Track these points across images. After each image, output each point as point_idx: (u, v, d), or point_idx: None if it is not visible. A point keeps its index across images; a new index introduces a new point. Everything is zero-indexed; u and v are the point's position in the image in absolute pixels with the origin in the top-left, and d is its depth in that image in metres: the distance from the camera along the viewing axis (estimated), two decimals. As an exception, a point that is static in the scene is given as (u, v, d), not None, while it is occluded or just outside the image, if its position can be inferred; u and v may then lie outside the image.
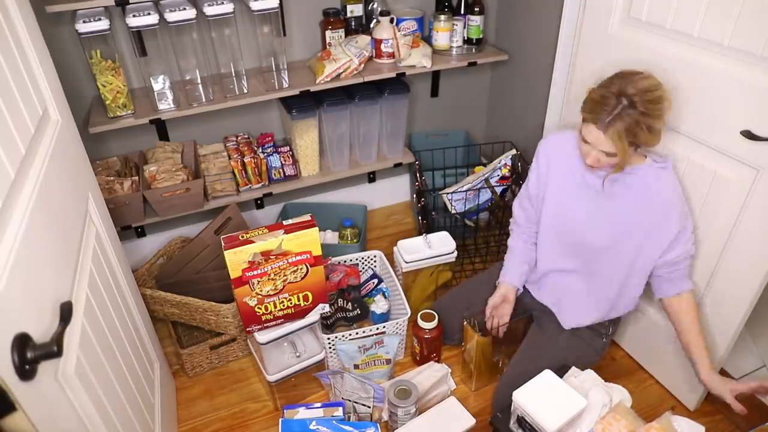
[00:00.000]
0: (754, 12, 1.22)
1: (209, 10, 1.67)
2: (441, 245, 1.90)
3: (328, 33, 2.02)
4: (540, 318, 1.71)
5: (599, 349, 1.65)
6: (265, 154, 2.04)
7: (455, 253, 1.92)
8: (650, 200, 1.42)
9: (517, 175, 2.13)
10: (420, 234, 2.00)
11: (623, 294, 1.55)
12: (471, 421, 1.51)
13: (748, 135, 1.28)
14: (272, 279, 1.48)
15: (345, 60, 1.91)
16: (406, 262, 1.86)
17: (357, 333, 1.72)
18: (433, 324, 1.75)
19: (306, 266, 1.50)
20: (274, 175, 2.08)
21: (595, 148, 1.36)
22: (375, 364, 1.74)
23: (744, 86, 1.28)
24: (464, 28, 2.15)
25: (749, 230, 1.36)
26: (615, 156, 1.34)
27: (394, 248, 1.93)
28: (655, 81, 1.32)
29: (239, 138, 2.10)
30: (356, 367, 1.73)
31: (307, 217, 1.49)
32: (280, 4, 1.80)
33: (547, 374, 1.39)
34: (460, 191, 2.07)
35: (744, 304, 1.42)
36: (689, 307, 1.48)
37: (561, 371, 1.48)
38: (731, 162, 1.36)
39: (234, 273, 1.43)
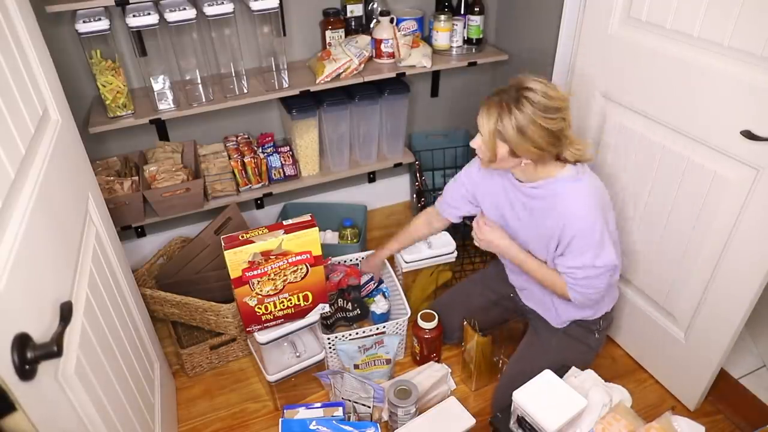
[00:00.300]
0: (754, 12, 1.22)
1: (209, 10, 1.67)
2: (441, 245, 1.90)
3: (328, 33, 2.02)
4: (533, 320, 1.72)
5: (594, 346, 1.65)
6: (265, 154, 2.04)
7: (455, 253, 1.92)
8: (559, 211, 1.41)
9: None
10: (420, 234, 2.00)
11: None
12: (471, 421, 1.51)
13: (748, 135, 1.28)
14: (272, 279, 1.48)
15: (345, 60, 1.91)
16: (406, 262, 1.86)
17: (357, 333, 1.72)
18: (433, 324, 1.75)
19: (306, 266, 1.50)
20: (274, 175, 2.08)
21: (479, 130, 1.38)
22: (375, 364, 1.74)
23: (744, 86, 1.28)
24: (464, 28, 2.15)
25: (749, 230, 1.36)
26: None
27: None
28: (561, 96, 1.32)
29: (239, 138, 2.10)
30: (356, 367, 1.73)
31: (307, 217, 1.49)
32: (280, 4, 1.80)
33: (547, 374, 1.39)
34: (460, 191, 2.07)
35: (744, 304, 1.42)
36: (559, 278, 1.49)
37: (561, 371, 1.48)
38: (731, 162, 1.36)
39: (234, 273, 1.43)
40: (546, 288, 1.57)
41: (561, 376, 1.42)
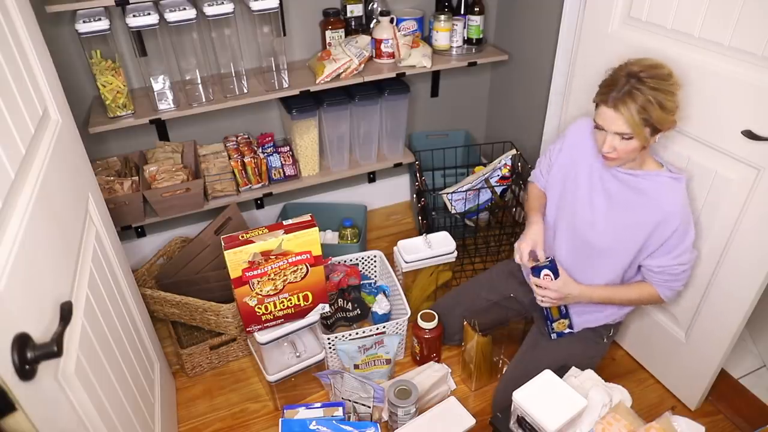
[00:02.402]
0: (755, 12, 1.22)
1: (209, 10, 1.67)
2: (441, 245, 1.90)
3: (328, 33, 2.02)
4: (540, 320, 1.71)
5: (601, 350, 1.65)
6: (265, 154, 2.04)
7: (455, 253, 1.92)
8: (657, 205, 1.38)
9: (517, 175, 2.13)
10: (420, 234, 2.00)
11: None
12: (471, 421, 1.51)
13: (749, 135, 1.28)
14: (272, 279, 1.48)
15: (345, 60, 1.91)
16: (406, 262, 1.86)
17: (357, 333, 1.72)
18: (433, 324, 1.75)
19: (306, 266, 1.50)
20: (274, 175, 2.08)
21: (609, 131, 1.32)
22: (375, 364, 1.74)
23: (745, 86, 1.28)
24: (464, 28, 2.15)
25: (750, 230, 1.36)
26: (631, 138, 1.30)
27: (394, 248, 1.93)
28: (661, 61, 1.32)
29: (239, 138, 2.10)
30: (356, 367, 1.72)
31: (307, 217, 1.49)
32: (280, 4, 1.80)
33: (547, 374, 1.39)
34: (460, 191, 2.07)
35: (745, 304, 1.42)
36: (640, 288, 1.49)
37: (561, 371, 1.48)
38: (732, 162, 1.36)
39: (234, 273, 1.43)
40: (631, 305, 1.55)
41: (561, 376, 1.42)
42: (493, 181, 2.10)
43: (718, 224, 1.43)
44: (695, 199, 1.48)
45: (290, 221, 1.47)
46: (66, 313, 0.82)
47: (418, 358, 1.83)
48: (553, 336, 1.62)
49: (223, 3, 1.67)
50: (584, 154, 1.53)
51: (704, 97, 1.38)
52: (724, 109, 1.34)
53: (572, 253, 1.57)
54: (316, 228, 1.46)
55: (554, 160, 1.63)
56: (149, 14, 1.62)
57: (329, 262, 1.89)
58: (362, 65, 1.96)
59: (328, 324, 1.89)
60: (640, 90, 1.26)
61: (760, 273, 1.37)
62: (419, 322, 1.75)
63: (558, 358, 1.57)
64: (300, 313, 1.59)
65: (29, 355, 0.72)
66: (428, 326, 1.74)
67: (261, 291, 1.48)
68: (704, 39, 1.36)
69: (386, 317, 1.89)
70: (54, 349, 0.73)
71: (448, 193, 2.10)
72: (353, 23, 2.06)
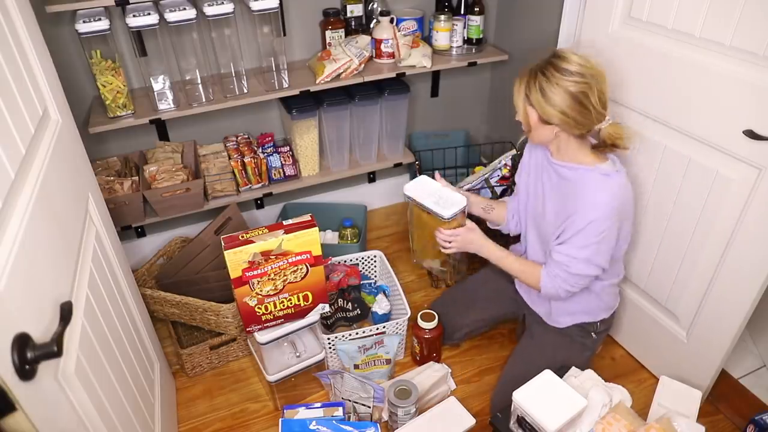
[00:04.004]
0: (757, 12, 1.22)
1: (209, 10, 1.67)
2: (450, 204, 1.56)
3: (328, 33, 2.02)
4: (530, 318, 1.73)
5: (590, 346, 1.66)
6: (265, 154, 2.04)
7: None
8: (579, 197, 1.41)
9: (517, 175, 2.12)
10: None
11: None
12: (471, 421, 1.51)
13: (751, 134, 1.28)
14: (272, 279, 1.48)
15: (345, 60, 1.91)
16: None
17: (357, 333, 1.72)
18: (433, 324, 1.75)
19: (306, 266, 1.50)
20: (274, 175, 2.08)
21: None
22: (375, 364, 1.74)
23: (746, 86, 1.27)
24: (464, 28, 2.15)
25: (751, 230, 1.36)
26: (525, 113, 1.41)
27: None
28: (587, 63, 1.34)
29: (239, 138, 2.10)
30: (356, 367, 1.72)
31: (307, 217, 1.49)
32: (280, 4, 1.80)
33: (547, 374, 1.39)
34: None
35: (746, 304, 1.42)
36: (531, 266, 1.54)
37: (561, 371, 1.48)
38: (733, 161, 1.36)
39: (234, 273, 1.43)
40: (520, 280, 1.60)
41: (561, 376, 1.42)
42: (493, 181, 2.10)
43: (719, 224, 1.43)
44: (697, 199, 1.47)
45: (290, 221, 1.47)
46: (66, 313, 0.82)
47: (418, 358, 1.83)
48: None
49: (223, 3, 1.67)
50: (538, 154, 1.59)
51: (705, 97, 1.38)
52: (726, 108, 1.34)
53: (537, 241, 1.63)
54: (316, 228, 1.46)
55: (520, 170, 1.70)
56: (149, 14, 1.62)
57: (329, 262, 1.89)
58: (362, 65, 1.96)
59: (328, 324, 1.89)
60: (533, 68, 1.36)
61: (761, 273, 1.37)
62: (419, 322, 1.75)
63: (550, 354, 1.59)
64: (300, 313, 1.59)
65: (29, 355, 0.72)
66: (428, 326, 1.74)
67: (261, 291, 1.48)
68: (705, 39, 1.36)
69: (386, 317, 1.89)
70: (54, 349, 0.73)
71: (448, 193, 2.09)
72: (353, 23, 2.06)
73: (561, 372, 1.47)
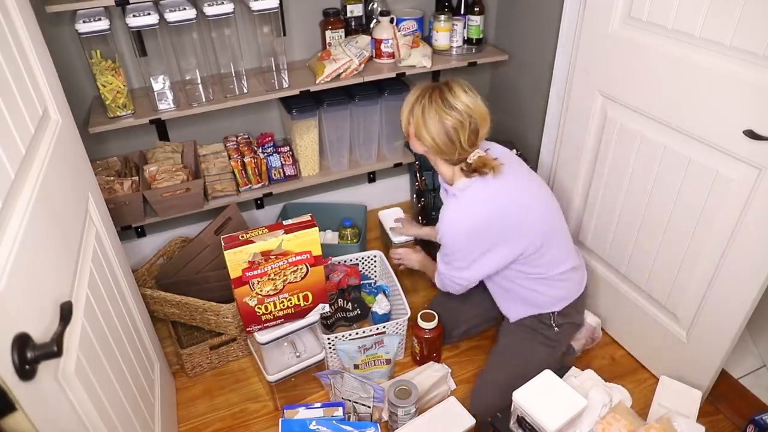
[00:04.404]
0: (757, 12, 1.22)
1: (209, 10, 1.67)
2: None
3: (328, 33, 2.02)
4: (503, 321, 1.79)
5: (554, 338, 1.65)
6: (265, 154, 2.04)
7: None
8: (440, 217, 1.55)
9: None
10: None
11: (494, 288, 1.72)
12: (471, 422, 1.51)
13: (751, 134, 1.28)
14: (272, 279, 1.48)
15: (345, 60, 1.91)
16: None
17: (357, 333, 1.72)
18: (433, 324, 1.75)
19: (306, 266, 1.50)
20: (274, 175, 2.08)
21: None
22: (375, 364, 1.74)
23: (746, 86, 1.27)
24: (464, 28, 2.15)
25: (751, 229, 1.36)
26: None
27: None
28: (471, 103, 1.44)
29: (239, 138, 2.10)
30: (356, 367, 1.72)
31: (307, 217, 1.49)
32: (280, 4, 1.80)
33: (547, 374, 1.39)
34: (460, 191, 2.07)
35: (746, 304, 1.42)
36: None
37: (561, 371, 1.48)
38: (733, 161, 1.35)
39: (234, 273, 1.43)
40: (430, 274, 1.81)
41: (561, 376, 1.42)
42: (493, 181, 2.10)
43: (719, 223, 1.43)
44: (697, 199, 1.47)
45: (290, 221, 1.47)
46: (66, 313, 0.82)
47: (418, 358, 1.83)
48: None
49: (223, 3, 1.67)
50: None
51: (705, 97, 1.38)
52: (726, 108, 1.34)
53: None
54: (316, 228, 1.46)
55: None
56: (149, 14, 1.62)
57: (329, 262, 1.89)
58: (362, 65, 1.96)
59: (328, 324, 1.89)
60: (428, 90, 1.45)
61: (761, 273, 1.37)
62: (419, 322, 1.75)
63: (516, 348, 1.65)
64: (300, 313, 1.59)
65: (29, 355, 0.72)
66: (428, 326, 1.74)
67: (261, 291, 1.48)
68: (705, 39, 1.36)
69: (386, 317, 1.89)
70: (54, 349, 0.73)
71: (448, 193, 2.10)
72: (353, 23, 2.06)
73: (561, 372, 1.47)
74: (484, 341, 1.93)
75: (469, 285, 1.64)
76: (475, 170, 1.48)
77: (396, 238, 2.04)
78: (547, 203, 1.60)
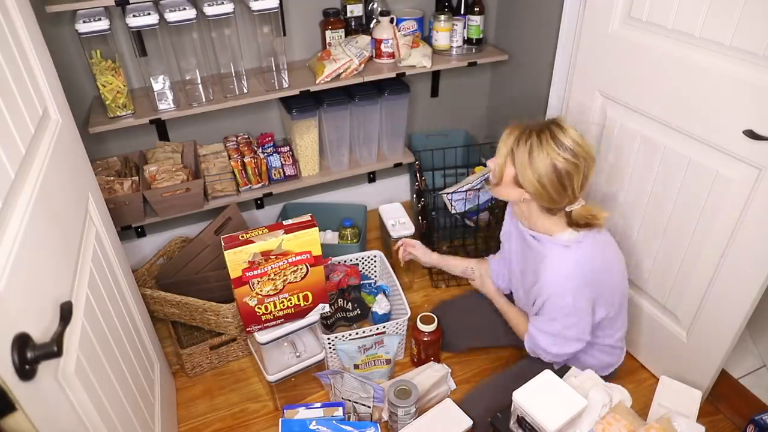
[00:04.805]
0: (757, 12, 1.22)
1: (209, 10, 1.67)
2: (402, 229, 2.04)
3: (328, 33, 2.02)
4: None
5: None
6: (265, 154, 2.04)
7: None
8: (539, 268, 1.39)
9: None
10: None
11: None
12: (468, 423, 1.51)
13: (751, 134, 1.28)
14: (272, 279, 1.48)
15: (345, 60, 1.91)
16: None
17: (357, 333, 1.72)
18: (432, 327, 1.74)
19: (306, 266, 1.50)
20: (274, 175, 2.08)
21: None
22: (375, 364, 1.74)
23: (747, 86, 1.27)
24: (464, 28, 2.15)
25: (751, 230, 1.36)
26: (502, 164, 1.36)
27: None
28: (585, 145, 1.30)
29: (239, 138, 2.10)
30: (356, 367, 1.72)
31: (307, 217, 1.49)
32: (280, 4, 1.80)
33: (547, 374, 1.39)
34: (460, 191, 2.07)
35: (746, 304, 1.42)
36: (521, 318, 1.57)
37: (561, 371, 1.48)
38: (733, 161, 1.36)
39: (234, 273, 1.42)
40: (508, 321, 1.64)
41: (561, 377, 1.42)
42: (493, 181, 2.10)
43: (719, 223, 1.43)
44: (697, 199, 1.47)
45: (290, 221, 1.47)
46: (66, 313, 0.82)
47: (415, 360, 1.83)
48: None
49: (223, 3, 1.67)
50: (514, 220, 1.57)
51: (706, 97, 1.38)
52: (726, 108, 1.34)
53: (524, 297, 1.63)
54: (316, 228, 1.46)
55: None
56: (149, 14, 1.62)
57: (329, 262, 1.89)
58: (362, 65, 1.96)
59: (328, 324, 1.89)
60: (533, 130, 1.30)
61: (761, 273, 1.36)
62: (418, 324, 1.74)
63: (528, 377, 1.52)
64: (300, 313, 1.59)
65: (29, 355, 0.72)
66: (427, 329, 1.73)
67: (261, 291, 1.48)
68: (705, 39, 1.36)
69: (386, 317, 1.89)
70: (54, 349, 0.73)
71: (448, 193, 2.10)
72: (353, 23, 2.06)
73: (561, 372, 1.47)
74: (484, 341, 1.93)
75: (567, 355, 1.47)
76: (586, 224, 1.36)
77: (395, 233, 2.03)
78: (623, 260, 1.50)
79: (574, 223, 1.37)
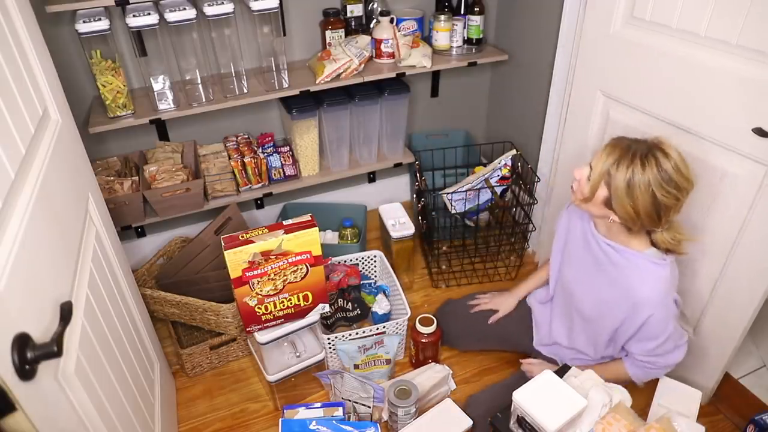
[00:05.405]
0: (764, 10, 1.22)
1: (209, 10, 1.67)
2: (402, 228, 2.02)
3: (328, 33, 2.02)
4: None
5: None
6: (265, 154, 2.04)
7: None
8: (630, 288, 1.34)
9: (517, 176, 2.13)
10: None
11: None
12: (468, 423, 1.51)
13: (760, 132, 1.27)
14: (272, 279, 1.47)
15: (345, 60, 1.91)
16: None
17: (357, 333, 1.72)
18: (431, 329, 1.74)
19: (306, 266, 1.50)
20: (274, 175, 2.08)
21: (588, 166, 1.32)
22: (375, 364, 1.74)
23: (754, 84, 1.27)
24: (464, 28, 2.15)
25: (758, 227, 1.36)
26: (590, 181, 1.29)
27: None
28: (688, 176, 1.22)
29: (239, 138, 2.10)
30: (356, 367, 1.72)
31: (307, 218, 1.48)
32: (280, 4, 1.79)
33: (547, 374, 1.39)
34: (460, 191, 2.07)
35: (753, 302, 1.42)
36: (615, 368, 1.49)
37: (561, 371, 1.48)
38: (740, 159, 1.35)
39: (234, 273, 1.42)
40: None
41: (561, 376, 1.42)
42: (493, 181, 2.10)
43: (726, 222, 1.43)
44: (703, 197, 1.47)
45: (290, 221, 1.47)
46: (66, 313, 0.82)
47: (413, 361, 1.83)
48: None
49: (223, 3, 1.67)
50: (581, 219, 1.50)
51: (713, 96, 1.37)
52: (733, 107, 1.33)
53: (562, 309, 1.60)
54: (316, 228, 1.46)
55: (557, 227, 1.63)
56: (149, 14, 1.62)
57: (329, 262, 1.89)
58: (362, 65, 1.96)
59: (328, 324, 1.89)
60: (634, 155, 1.22)
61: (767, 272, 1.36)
62: (417, 326, 1.74)
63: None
64: (300, 313, 1.58)
65: (29, 355, 0.72)
66: (426, 330, 1.73)
67: (261, 291, 1.48)
68: (711, 38, 1.35)
69: (386, 317, 1.89)
70: (54, 349, 0.73)
71: (448, 193, 2.10)
72: (353, 23, 2.06)
73: (561, 372, 1.47)
74: (484, 341, 1.93)
75: (676, 363, 1.44)
76: (667, 250, 1.32)
77: (396, 233, 2.02)
78: None
79: (655, 244, 1.33)
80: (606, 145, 1.29)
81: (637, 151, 1.22)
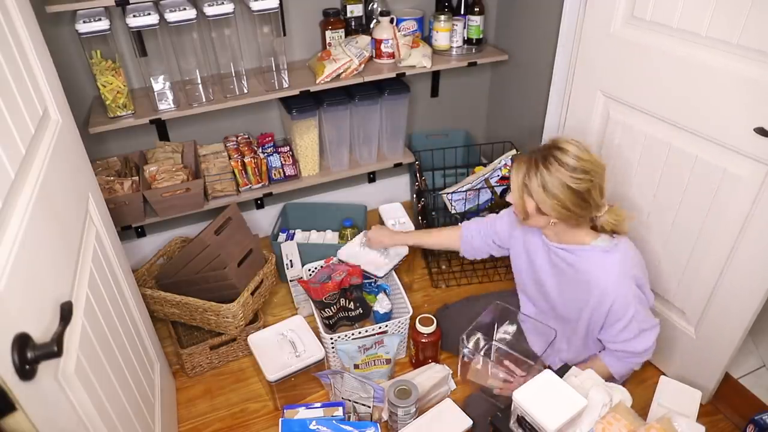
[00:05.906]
0: (764, 10, 1.22)
1: (209, 10, 1.67)
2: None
3: (328, 33, 2.02)
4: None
5: None
6: (265, 154, 2.04)
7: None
8: (589, 282, 1.40)
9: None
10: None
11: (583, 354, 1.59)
12: (468, 423, 1.51)
13: (762, 132, 1.27)
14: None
15: (345, 60, 1.91)
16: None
17: (359, 332, 1.72)
18: (431, 329, 1.74)
19: None
20: (274, 175, 2.08)
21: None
22: (375, 364, 1.74)
23: (756, 84, 1.27)
24: (464, 28, 2.15)
25: (759, 226, 1.36)
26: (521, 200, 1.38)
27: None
28: (592, 159, 1.32)
29: (239, 138, 2.10)
30: (356, 367, 1.72)
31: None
32: (280, 4, 1.80)
33: (547, 374, 1.39)
34: (460, 191, 2.07)
35: (754, 302, 1.42)
36: (592, 363, 1.52)
37: (561, 371, 1.48)
38: (741, 158, 1.35)
39: None
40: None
41: (561, 376, 1.42)
42: (493, 181, 2.10)
43: (727, 222, 1.43)
44: (704, 197, 1.47)
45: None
46: (66, 313, 0.82)
47: (413, 360, 1.83)
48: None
49: (223, 3, 1.67)
50: (533, 234, 1.56)
51: (713, 95, 1.38)
52: (734, 107, 1.33)
53: (538, 315, 1.65)
54: None
55: (502, 228, 1.67)
56: (149, 14, 1.62)
57: (330, 262, 1.89)
58: (362, 65, 1.96)
59: (331, 324, 1.88)
60: (535, 157, 1.33)
61: (769, 271, 1.37)
62: (417, 326, 1.74)
63: None
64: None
65: (29, 355, 0.72)
66: (426, 330, 1.73)
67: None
68: (711, 38, 1.35)
69: (387, 316, 1.89)
70: (54, 349, 0.73)
71: (448, 193, 2.10)
72: (353, 23, 2.06)
73: (561, 372, 1.47)
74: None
75: (653, 346, 1.48)
76: (612, 231, 1.40)
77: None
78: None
79: (600, 230, 1.41)
80: (512, 164, 1.40)
81: (538, 158, 1.33)
